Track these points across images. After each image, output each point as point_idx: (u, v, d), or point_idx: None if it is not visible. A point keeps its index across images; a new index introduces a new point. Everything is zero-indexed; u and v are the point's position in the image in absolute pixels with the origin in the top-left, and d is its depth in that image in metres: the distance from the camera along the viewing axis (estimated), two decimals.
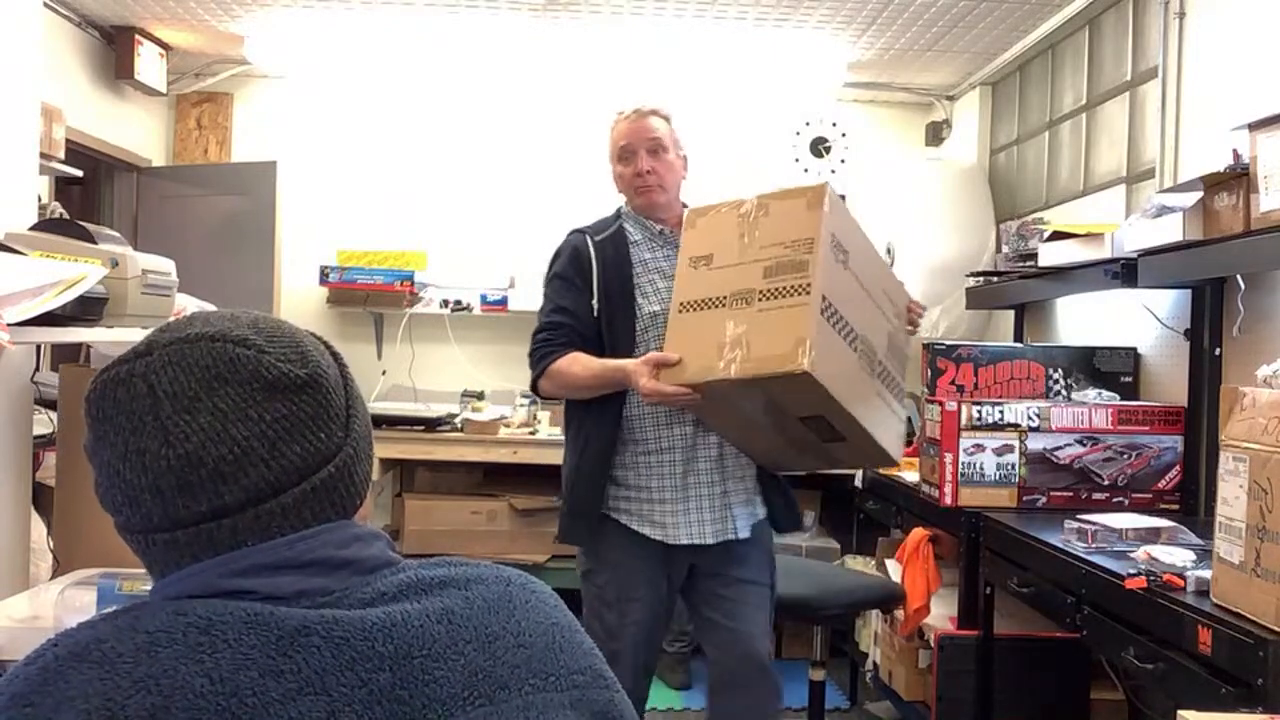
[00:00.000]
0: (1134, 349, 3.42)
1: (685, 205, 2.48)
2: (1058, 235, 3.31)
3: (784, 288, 2.06)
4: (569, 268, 2.46)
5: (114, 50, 4.55)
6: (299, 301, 4.97)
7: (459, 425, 4.59)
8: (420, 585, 0.82)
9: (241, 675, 0.72)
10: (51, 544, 2.47)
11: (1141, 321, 3.35)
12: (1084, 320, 3.77)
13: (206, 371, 0.80)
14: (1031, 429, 3.03)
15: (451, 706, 0.77)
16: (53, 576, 2.32)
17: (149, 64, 4.63)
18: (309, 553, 0.81)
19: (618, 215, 2.53)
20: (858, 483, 4.07)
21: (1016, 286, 3.77)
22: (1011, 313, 4.20)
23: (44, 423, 2.58)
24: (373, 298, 4.91)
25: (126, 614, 0.78)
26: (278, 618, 0.75)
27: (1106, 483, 3.03)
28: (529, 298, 4.94)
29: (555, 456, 4.58)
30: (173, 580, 0.81)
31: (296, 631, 0.75)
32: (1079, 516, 2.56)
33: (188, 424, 0.79)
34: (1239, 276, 2.78)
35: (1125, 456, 3.04)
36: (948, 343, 3.53)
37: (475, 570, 0.87)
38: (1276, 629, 1.72)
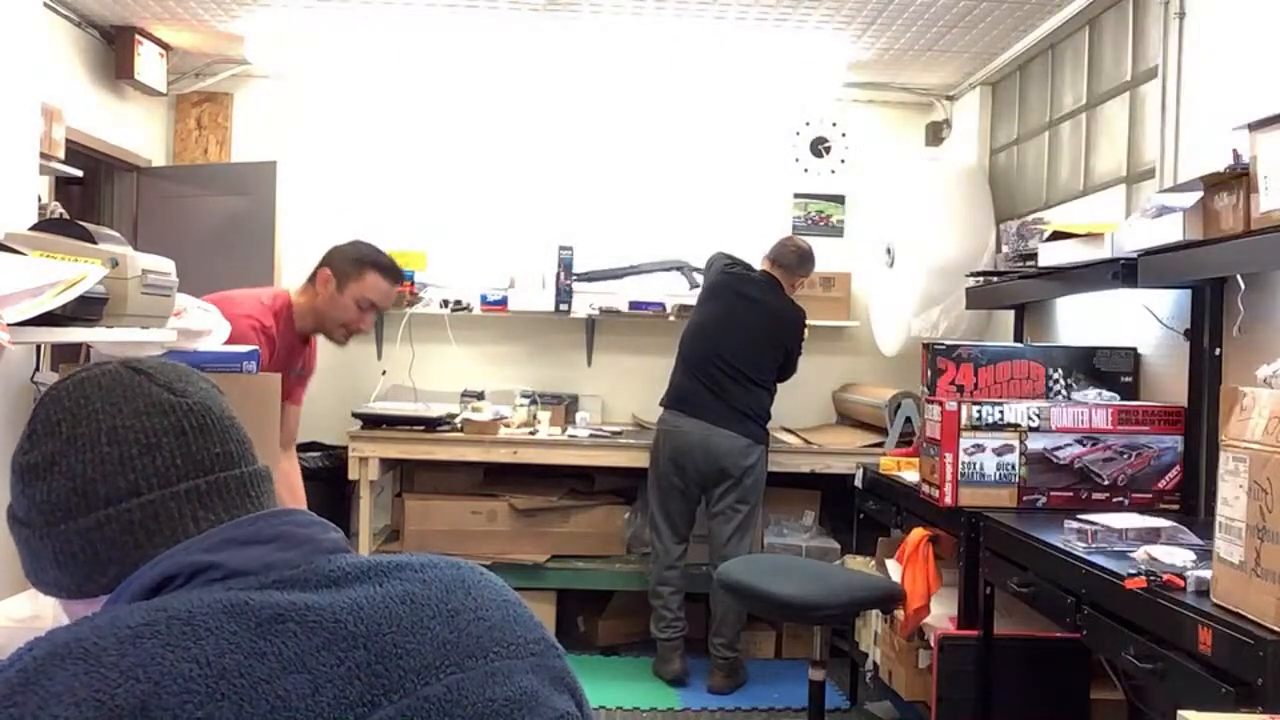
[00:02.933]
0: (1134, 349, 3.42)
1: None
2: (1058, 235, 3.31)
3: None
4: None
5: (114, 50, 4.55)
6: None
7: (459, 425, 4.59)
8: (378, 568, 0.87)
9: (227, 659, 0.74)
10: None
11: (1141, 321, 3.34)
12: (1084, 320, 3.77)
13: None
14: (1031, 429, 3.03)
15: (426, 675, 0.81)
16: None
17: (149, 64, 4.63)
18: (271, 528, 0.87)
19: None
20: (858, 483, 4.07)
21: (1016, 286, 3.77)
22: (1011, 313, 4.20)
23: None
24: None
25: (103, 615, 0.78)
26: (253, 606, 0.78)
27: (1106, 483, 3.03)
28: (529, 298, 4.96)
29: (555, 456, 4.65)
30: (147, 569, 0.83)
31: (273, 618, 0.78)
32: (1079, 516, 2.56)
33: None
34: (1239, 276, 2.78)
35: (1125, 456, 3.04)
36: (948, 343, 3.53)
37: (427, 557, 0.92)
38: (1276, 629, 1.72)
